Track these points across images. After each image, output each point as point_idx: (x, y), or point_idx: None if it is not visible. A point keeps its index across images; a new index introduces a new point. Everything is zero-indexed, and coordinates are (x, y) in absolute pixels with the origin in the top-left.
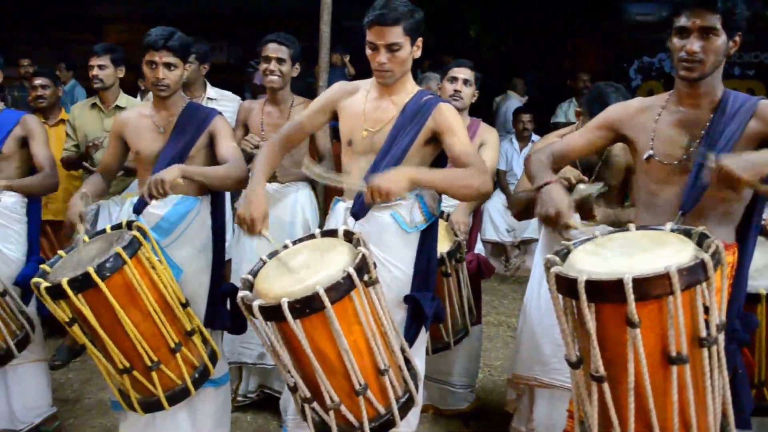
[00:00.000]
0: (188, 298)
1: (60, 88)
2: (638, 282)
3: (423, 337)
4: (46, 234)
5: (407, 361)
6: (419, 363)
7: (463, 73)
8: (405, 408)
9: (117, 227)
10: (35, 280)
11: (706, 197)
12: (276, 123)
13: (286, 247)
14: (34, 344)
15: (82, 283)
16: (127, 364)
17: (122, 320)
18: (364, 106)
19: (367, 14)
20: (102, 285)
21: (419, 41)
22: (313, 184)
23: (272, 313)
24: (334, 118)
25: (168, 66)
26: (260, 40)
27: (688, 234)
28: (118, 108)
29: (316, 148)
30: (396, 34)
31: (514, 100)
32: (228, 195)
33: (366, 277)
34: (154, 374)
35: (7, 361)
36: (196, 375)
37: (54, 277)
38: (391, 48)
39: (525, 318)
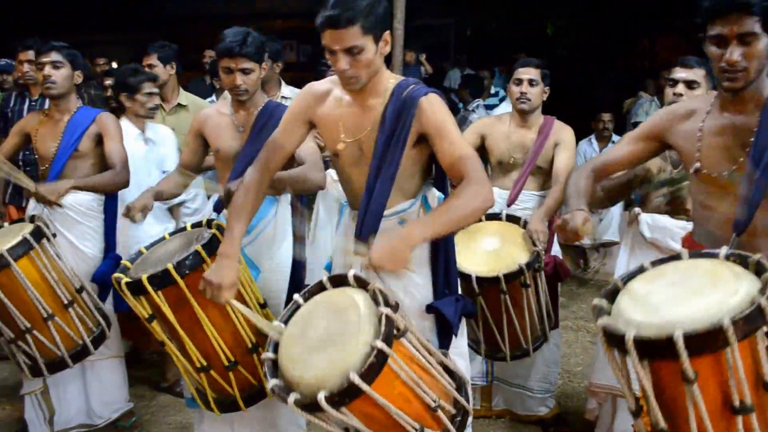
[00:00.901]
0: (266, 298)
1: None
2: (690, 338)
3: (462, 335)
4: None
5: (450, 372)
6: (462, 362)
7: (528, 73)
8: (462, 424)
9: (197, 225)
10: (116, 275)
11: (760, 214)
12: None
13: (296, 303)
14: (111, 340)
15: (162, 280)
16: (205, 363)
17: (200, 318)
18: (340, 113)
19: (318, 15)
20: (181, 282)
21: (386, 35)
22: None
23: (311, 407)
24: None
25: (244, 71)
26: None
27: (744, 263)
28: (180, 106)
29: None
30: (354, 36)
31: (645, 101)
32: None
33: (396, 332)
34: (231, 374)
35: (83, 357)
36: None
37: (135, 273)
38: (351, 52)
39: None
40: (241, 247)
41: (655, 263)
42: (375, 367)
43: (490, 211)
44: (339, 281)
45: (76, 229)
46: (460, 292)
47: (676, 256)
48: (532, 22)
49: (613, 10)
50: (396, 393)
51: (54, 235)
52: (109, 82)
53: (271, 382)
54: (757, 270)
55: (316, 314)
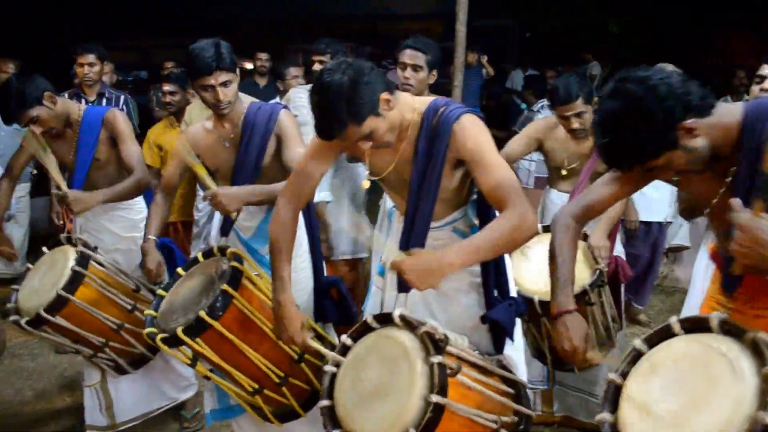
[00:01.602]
0: (296, 300)
1: (189, 92)
2: None
3: (516, 345)
4: (177, 233)
5: (508, 382)
6: (517, 355)
7: (572, 109)
8: (525, 431)
9: (208, 254)
10: (148, 331)
11: None
12: None
13: (345, 346)
14: None
15: (197, 329)
16: (257, 386)
17: (242, 349)
18: (368, 152)
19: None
20: (217, 325)
21: (384, 96)
22: None
23: None
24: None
25: (225, 84)
26: (390, 41)
27: (739, 336)
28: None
29: None
30: (353, 133)
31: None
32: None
33: (450, 375)
34: (284, 389)
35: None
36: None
37: (165, 324)
38: (366, 139)
39: None
40: (261, 255)
41: (649, 339)
42: (433, 421)
43: (546, 222)
44: (384, 320)
45: (119, 222)
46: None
47: (669, 332)
48: (596, 21)
49: (682, 6)
50: (455, 429)
51: (95, 249)
52: (168, 87)
53: None
54: (755, 348)
55: (366, 361)
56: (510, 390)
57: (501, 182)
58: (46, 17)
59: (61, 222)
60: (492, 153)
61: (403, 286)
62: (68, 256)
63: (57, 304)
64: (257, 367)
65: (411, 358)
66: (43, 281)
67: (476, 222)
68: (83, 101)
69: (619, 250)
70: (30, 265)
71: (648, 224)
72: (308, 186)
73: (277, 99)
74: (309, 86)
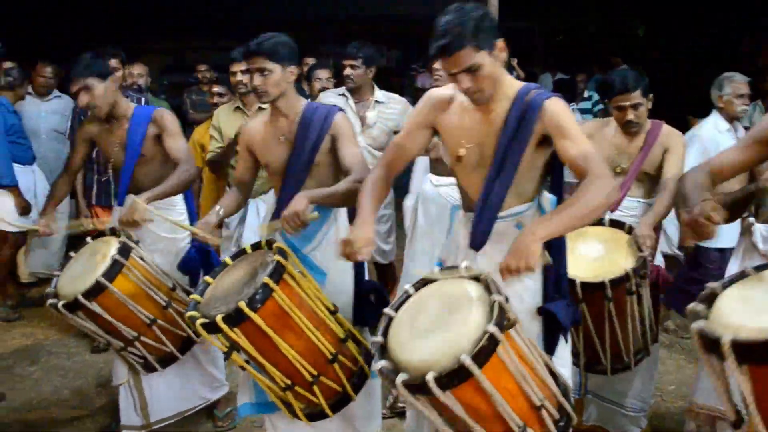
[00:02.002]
0: (335, 301)
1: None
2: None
3: (565, 346)
4: None
5: (554, 376)
6: (566, 371)
7: (629, 99)
8: (565, 430)
9: (256, 246)
10: (190, 314)
11: None
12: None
13: (407, 293)
14: None
15: (236, 318)
16: (289, 382)
17: (278, 344)
18: (462, 120)
19: (430, 45)
20: (255, 317)
21: (499, 42)
22: None
23: (419, 388)
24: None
25: (261, 71)
26: (421, 43)
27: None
28: (261, 110)
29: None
30: (466, 57)
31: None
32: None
33: (506, 323)
34: (315, 388)
35: (189, 348)
36: (355, 380)
37: (207, 311)
38: (470, 71)
39: None
40: (304, 255)
41: (758, 268)
42: (486, 351)
43: None
44: (451, 274)
45: (160, 223)
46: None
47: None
48: (622, 24)
49: (710, 10)
50: (502, 385)
51: (137, 242)
52: (217, 89)
53: (379, 364)
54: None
55: (426, 302)
56: (557, 385)
57: (586, 152)
58: (81, 21)
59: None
60: (577, 128)
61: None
62: (110, 246)
63: (94, 290)
64: (291, 364)
65: (472, 296)
66: (83, 268)
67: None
68: None
69: (659, 260)
70: (72, 254)
71: (722, 251)
72: (401, 159)
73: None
74: (339, 90)
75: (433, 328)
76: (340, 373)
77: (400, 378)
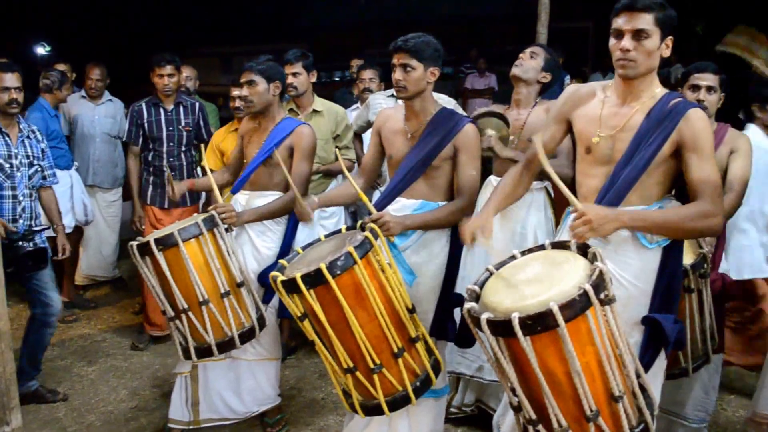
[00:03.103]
0: (417, 305)
1: None
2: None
3: (661, 363)
4: None
5: (643, 389)
6: (655, 391)
7: (706, 79)
8: None
9: (352, 228)
10: (273, 273)
11: None
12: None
13: (514, 257)
14: (270, 343)
15: (314, 279)
16: (351, 364)
17: (349, 319)
18: (602, 111)
19: (617, 3)
20: (332, 282)
21: (669, 40)
22: (549, 194)
23: (501, 328)
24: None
25: (404, 67)
26: (468, 45)
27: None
28: (315, 112)
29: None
30: (645, 20)
31: None
32: None
33: (603, 295)
34: (376, 377)
35: (229, 349)
36: (418, 383)
37: (290, 272)
38: (638, 35)
39: None
40: (398, 251)
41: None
42: (576, 305)
43: None
44: (560, 246)
45: (258, 230)
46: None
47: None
48: (680, 22)
49: None
50: (585, 358)
51: (229, 229)
52: (238, 92)
53: (468, 305)
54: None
55: (530, 263)
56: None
57: (710, 178)
58: (130, 25)
59: (143, 227)
60: (712, 150)
61: None
62: (203, 216)
63: (166, 241)
64: (357, 345)
65: (578, 260)
66: (173, 226)
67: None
68: (161, 110)
69: (725, 268)
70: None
71: None
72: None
73: (358, 104)
74: (388, 91)
75: (530, 282)
76: (404, 371)
77: (485, 315)
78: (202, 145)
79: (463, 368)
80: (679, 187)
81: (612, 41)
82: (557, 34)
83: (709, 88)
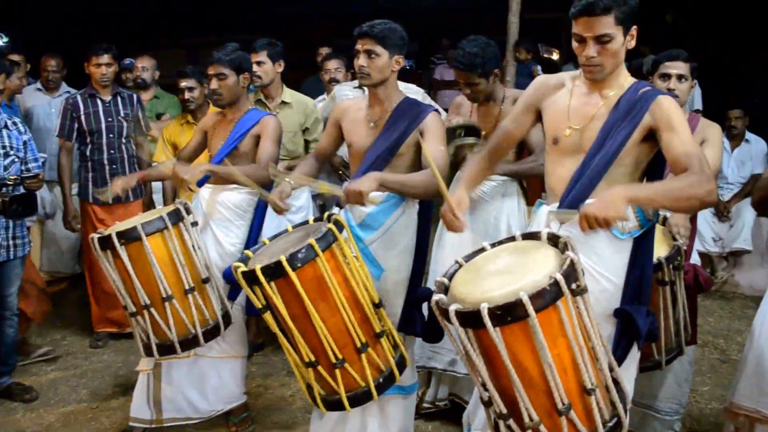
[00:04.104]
0: (384, 299)
1: (206, 87)
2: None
3: (634, 356)
4: None
5: (616, 382)
6: (628, 385)
7: (676, 67)
8: None
9: (319, 219)
10: (236, 264)
11: None
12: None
13: (484, 249)
14: (235, 341)
15: (274, 272)
16: (313, 359)
17: (310, 313)
18: (570, 102)
19: (574, 4)
20: (293, 275)
21: (633, 30)
22: (521, 183)
23: (470, 319)
24: (539, 118)
25: (369, 54)
26: (438, 35)
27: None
28: (284, 104)
29: (527, 140)
30: (606, 24)
31: None
32: None
33: (574, 285)
34: (337, 372)
35: (192, 347)
36: (381, 380)
37: (253, 264)
38: (601, 40)
39: (753, 341)
40: (364, 244)
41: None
42: (546, 295)
43: None
44: (531, 237)
45: (223, 225)
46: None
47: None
48: (648, 9)
49: None
50: (556, 350)
51: (195, 224)
52: (185, 83)
53: (436, 296)
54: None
55: (499, 254)
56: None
57: (693, 150)
58: (90, 15)
59: (79, 226)
60: (687, 129)
61: None
62: (167, 209)
63: (129, 235)
64: (319, 339)
65: (544, 249)
66: (136, 220)
67: (631, 227)
68: (99, 101)
69: (696, 259)
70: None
71: None
72: (507, 144)
73: (325, 95)
74: (355, 82)
75: (499, 273)
76: (367, 367)
77: (454, 307)
78: (147, 139)
79: (435, 362)
80: (648, 178)
81: (575, 44)
82: (528, 24)
83: (680, 77)
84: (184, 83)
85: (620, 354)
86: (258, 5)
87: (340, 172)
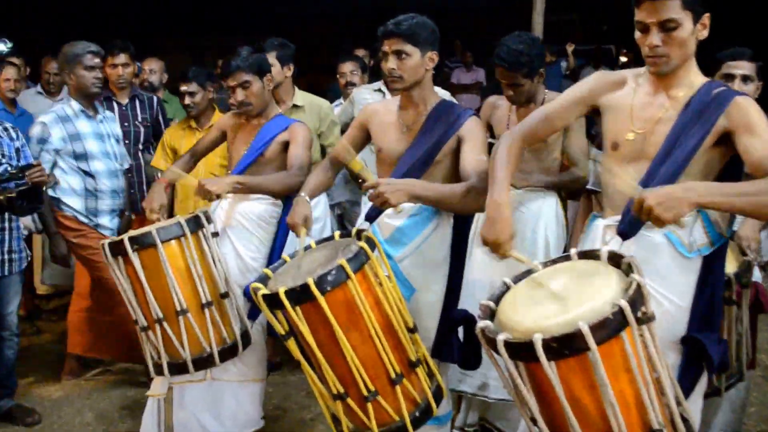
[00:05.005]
0: (417, 322)
1: (210, 91)
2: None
3: (701, 388)
4: None
5: (684, 419)
6: (695, 417)
7: (741, 67)
8: None
9: (346, 235)
10: (254, 285)
11: None
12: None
13: (534, 269)
14: (255, 363)
15: (301, 295)
16: (342, 390)
17: (340, 341)
18: (633, 102)
19: None
20: (321, 299)
21: (705, 18)
22: (560, 194)
23: (521, 351)
24: (595, 113)
25: (398, 54)
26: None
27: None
28: (296, 107)
29: (568, 149)
30: (672, 8)
31: None
32: None
33: (640, 313)
34: (369, 405)
35: (207, 366)
36: (417, 413)
37: (274, 285)
38: (666, 26)
39: None
40: (394, 262)
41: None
42: (610, 325)
43: None
44: (589, 256)
45: (244, 237)
46: None
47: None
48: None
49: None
50: (619, 386)
51: (215, 234)
52: (186, 87)
53: (482, 323)
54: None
55: (553, 276)
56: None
57: None
58: (93, 17)
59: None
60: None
61: (630, 231)
62: (187, 216)
63: (143, 241)
64: (349, 369)
65: (605, 271)
66: (152, 226)
67: (700, 243)
68: (115, 104)
69: (757, 276)
70: None
71: None
72: (544, 130)
73: (341, 99)
74: (374, 85)
75: (554, 298)
76: (402, 399)
77: (503, 336)
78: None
79: (465, 386)
80: None
81: (637, 34)
82: (545, 26)
83: (745, 78)
84: (184, 87)
85: (687, 386)
86: (268, 3)
87: (360, 180)
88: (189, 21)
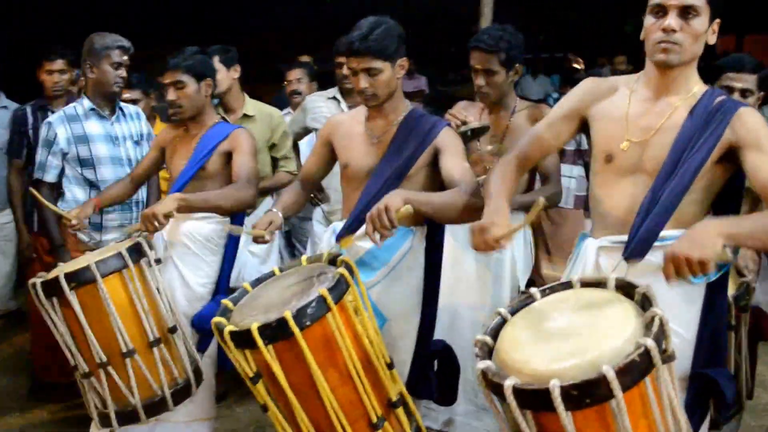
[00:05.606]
0: (390, 353)
1: (152, 99)
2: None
3: (706, 425)
4: None
5: None
6: None
7: (741, 80)
8: None
9: (315, 260)
10: (217, 320)
11: None
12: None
13: (531, 297)
14: (205, 400)
15: (276, 332)
16: None
17: (317, 382)
18: (628, 109)
19: None
20: (299, 336)
21: (716, 24)
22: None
23: (535, 399)
24: (584, 127)
25: (367, 71)
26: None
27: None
28: (246, 117)
29: (540, 163)
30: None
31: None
32: None
33: (665, 353)
34: None
35: (159, 412)
36: None
37: (240, 319)
38: (686, 12)
39: None
40: (365, 288)
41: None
42: (635, 368)
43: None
44: (593, 284)
45: (189, 262)
46: None
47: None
48: (609, 21)
49: None
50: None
51: (158, 261)
52: (128, 95)
53: (482, 364)
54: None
55: (556, 306)
56: None
57: None
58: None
59: (35, 255)
60: None
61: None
62: (126, 244)
63: (80, 277)
64: (326, 413)
65: (622, 303)
66: (87, 258)
67: None
68: (49, 114)
69: (758, 301)
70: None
71: None
72: (538, 153)
73: (289, 109)
74: (328, 92)
75: (563, 335)
76: None
77: (511, 382)
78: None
79: (429, 421)
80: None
81: (650, 20)
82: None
83: (745, 92)
84: (127, 95)
85: (695, 425)
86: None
87: (312, 195)
88: (144, 31)
